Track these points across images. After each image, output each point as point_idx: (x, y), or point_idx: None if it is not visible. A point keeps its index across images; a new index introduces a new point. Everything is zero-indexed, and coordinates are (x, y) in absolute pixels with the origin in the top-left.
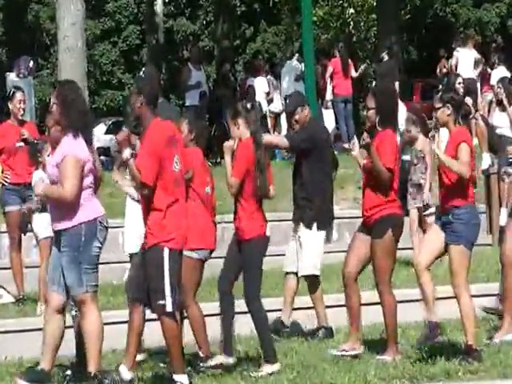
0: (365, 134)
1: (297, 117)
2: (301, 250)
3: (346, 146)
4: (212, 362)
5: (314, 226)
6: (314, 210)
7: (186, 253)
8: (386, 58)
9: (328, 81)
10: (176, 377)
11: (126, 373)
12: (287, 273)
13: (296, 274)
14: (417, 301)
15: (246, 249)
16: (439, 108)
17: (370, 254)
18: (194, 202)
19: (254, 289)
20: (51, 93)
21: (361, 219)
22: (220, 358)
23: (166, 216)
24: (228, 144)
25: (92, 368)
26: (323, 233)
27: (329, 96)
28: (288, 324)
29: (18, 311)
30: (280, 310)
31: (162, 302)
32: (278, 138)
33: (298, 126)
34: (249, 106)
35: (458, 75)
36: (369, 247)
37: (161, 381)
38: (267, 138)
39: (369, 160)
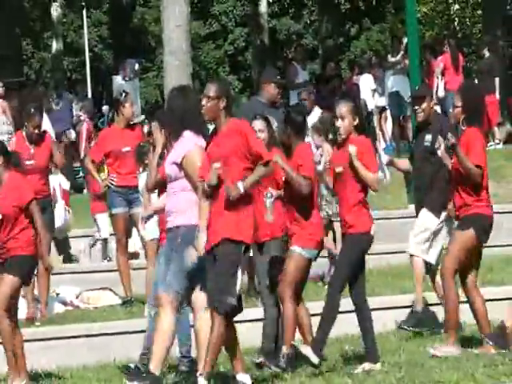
0: (449, 134)
1: (424, 105)
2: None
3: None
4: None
5: None
6: None
7: (298, 250)
8: (487, 54)
9: (439, 77)
10: (239, 376)
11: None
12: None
13: None
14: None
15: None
16: None
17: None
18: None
19: (338, 284)
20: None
21: None
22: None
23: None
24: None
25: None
26: None
27: (441, 92)
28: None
29: (126, 313)
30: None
31: (230, 299)
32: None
33: (422, 114)
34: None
35: None
36: None
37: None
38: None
39: (456, 159)
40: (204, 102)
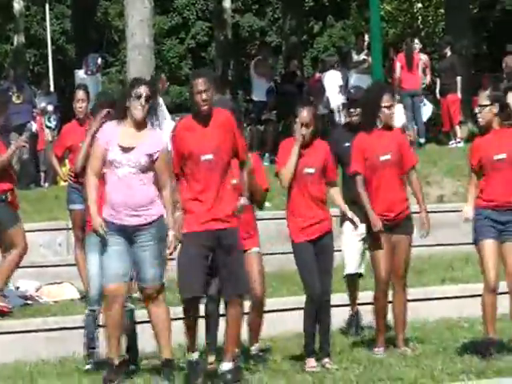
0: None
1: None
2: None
3: (412, 139)
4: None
5: None
6: None
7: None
8: (449, 53)
9: (397, 76)
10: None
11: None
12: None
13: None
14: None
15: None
16: (486, 106)
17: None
18: None
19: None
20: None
21: (429, 214)
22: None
23: None
24: None
25: (169, 354)
26: None
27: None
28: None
29: (85, 307)
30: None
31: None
32: None
33: (358, 118)
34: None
35: None
36: None
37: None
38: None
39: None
40: (204, 96)
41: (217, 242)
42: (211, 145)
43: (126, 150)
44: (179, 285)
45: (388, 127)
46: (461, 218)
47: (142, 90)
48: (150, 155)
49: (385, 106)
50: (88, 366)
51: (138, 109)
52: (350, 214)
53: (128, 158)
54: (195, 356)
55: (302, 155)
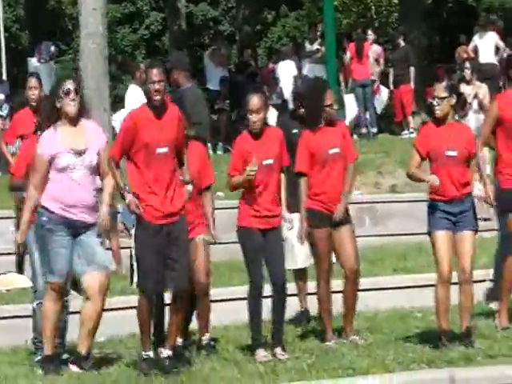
0: None
1: None
2: None
3: (364, 131)
4: None
5: None
6: None
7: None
8: (402, 43)
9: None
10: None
11: None
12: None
13: None
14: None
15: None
16: (444, 98)
17: None
18: None
19: None
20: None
21: (381, 204)
22: None
23: None
24: None
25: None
26: None
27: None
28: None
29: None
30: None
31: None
32: None
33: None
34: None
35: (473, 59)
36: None
37: None
38: None
39: None
40: (158, 86)
41: (167, 235)
42: (167, 138)
43: (78, 153)
44: (139, 274)
45: (331, 122)
46: (414, 208)
47: (70, 85)
48: (98, 152)
49: (327, 105)
50: (39, 358)
51: (70, 105)
52: (284, 209)
53: (82, 159)
54: (149, 354)
55: (256, 148)
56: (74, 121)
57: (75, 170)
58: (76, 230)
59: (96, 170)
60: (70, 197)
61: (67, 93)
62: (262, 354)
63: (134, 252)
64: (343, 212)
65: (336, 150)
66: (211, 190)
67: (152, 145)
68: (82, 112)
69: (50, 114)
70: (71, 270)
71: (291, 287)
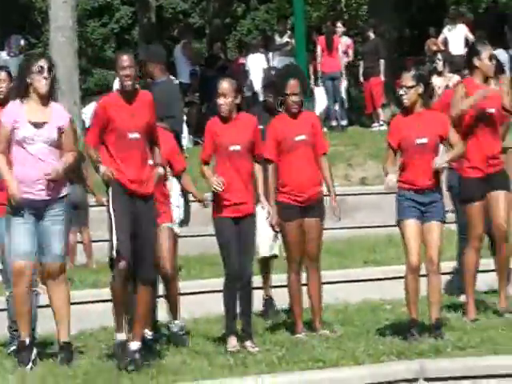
0: None
1: None
2: None
3: (334, 123)
4: None
5: None
6: None
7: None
8: (372, 36)
9: (319, 59)
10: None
11: None
12: None
13: None
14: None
15: None
16: (412, 87)
17: None
18: None
19: None
20: None
21: (351, 196)
22: None
23: None
24: None
25: (66, 337)
26: None
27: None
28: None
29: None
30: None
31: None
32: None
33: None
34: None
35: (442, 51)
36: None
37: None
38: None
39: None
40: (128, 72)
41: (135, 208)
42: (139, 124)
43: (37, 125)
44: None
45: (300, 112)
46: (384, 200)
47: (43, 62)
48: (60, 128)
49: (288, 93)
50: (12, 348)
51: (41, 82)
52: (262, 198)
53: (40, 133)
54: (123, 337)
55: (224, 132)
56: (43, 99)
57: (33, 144)
58: (39, 210)
59: (58, 146)
60: (30, 172)
61: (40, 71)
62: (233, 343)
63: (110, 216)
64: (338, 208)
65: (302, 137)
66: (187, 173)
67: (123, 130)
68: (52, 92)
69: (18, 88)
70: (37, 255)
71: (258, 280)
